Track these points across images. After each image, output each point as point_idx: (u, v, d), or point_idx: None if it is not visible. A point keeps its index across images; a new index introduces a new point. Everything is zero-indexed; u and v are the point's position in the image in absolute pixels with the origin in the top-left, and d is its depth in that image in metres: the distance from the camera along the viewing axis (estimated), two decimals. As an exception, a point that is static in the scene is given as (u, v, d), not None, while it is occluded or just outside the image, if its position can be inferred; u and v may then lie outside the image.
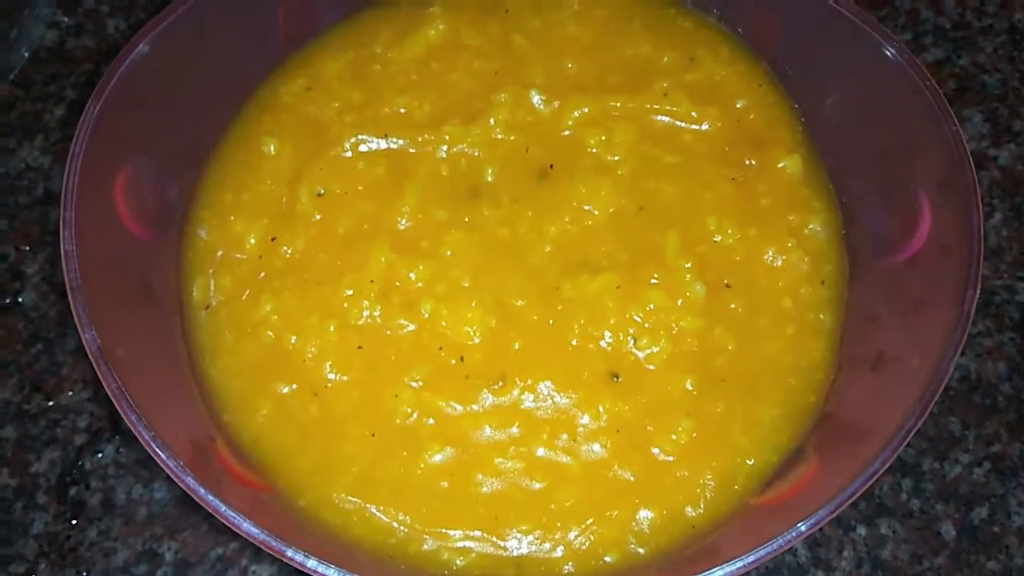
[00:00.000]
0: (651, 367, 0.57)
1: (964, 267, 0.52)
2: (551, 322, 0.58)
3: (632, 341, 0.57)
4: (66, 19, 0.77)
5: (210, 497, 0.48)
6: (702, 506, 0.55)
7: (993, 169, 0.73)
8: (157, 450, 0.48)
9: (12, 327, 0.67)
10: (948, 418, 0.66)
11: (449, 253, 0.59)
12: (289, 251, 0.60)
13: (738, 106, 0.64)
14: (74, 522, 0.63)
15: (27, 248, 0.70)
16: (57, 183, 0.71)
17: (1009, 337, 0.68)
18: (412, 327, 0.58)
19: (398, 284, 0.58)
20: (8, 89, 0.74)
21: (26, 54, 0.75)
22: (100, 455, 0.64)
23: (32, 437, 0.65)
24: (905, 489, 0.64)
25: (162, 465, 0.48)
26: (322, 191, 0.61)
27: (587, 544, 0.54)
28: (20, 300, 0.68)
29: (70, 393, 0.66)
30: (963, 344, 0.50)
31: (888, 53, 0.57)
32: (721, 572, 0.47)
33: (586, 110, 0.63)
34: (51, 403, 0.66)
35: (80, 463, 0.64)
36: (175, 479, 0.48)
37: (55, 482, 0.64)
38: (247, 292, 0.59)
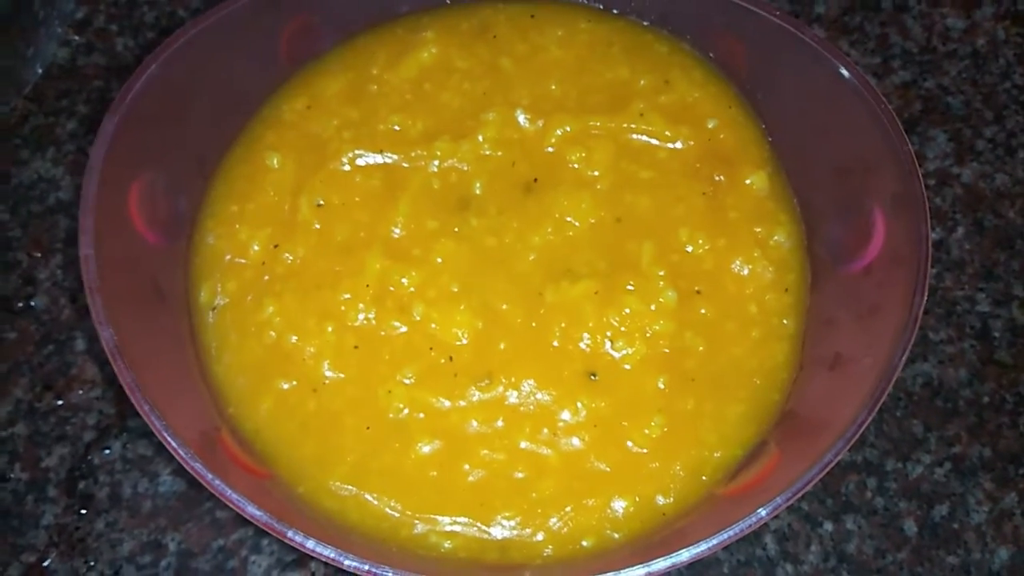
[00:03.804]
0: (626, 367, 0.58)
1: (914, 275, 0.54)
2: (534, 325, 0.59)
3: (609, 343, 0.58)
4: (77, 38, 0.78)
5: (217, 482, 0.49)
6: (672, 495, 0.56)
7: (956, 186, 0.74)
8: (169, 439, 0.50)
9: (25, 329, 0.68)
10: (911, 421, 0.67)
11: (440, 260, 0.60)
12: (290, 257, 0.61)
13: (709, 126, 0.65)
14: (82, 514, 0.64)
15: (39, 255, 0.71)
16: (68, 193, 0.72)
17: (970, 345, 0.69)
18: (404, 328, 0.59)
19: (392, 289, 0.59)
20: (23, 104, 0.75)
21: (39, 70, 0.76)
22: (107, 451, 0.65)
23: (43, 434, 0.66)
24: (870, 488, 0.65)
25: (173, 452, 0.50)
26: (321, 202, 0.62)
27: (566, 529, 0.55)
28: (32, 304, 0.69)
29: (79, 392, 0.67)
30: (911, 345, 0.52)
31: (846, 77, 0.58)
32: (688, 554, 0.48)
33: (568, 129, 0.64)
34: (61, 402, 0.67)
35: (88, 458, 0.65)
36: (185, 465, 0.49)
37: (64, 476, 0.65)
38: (251, 295, 0.60)
